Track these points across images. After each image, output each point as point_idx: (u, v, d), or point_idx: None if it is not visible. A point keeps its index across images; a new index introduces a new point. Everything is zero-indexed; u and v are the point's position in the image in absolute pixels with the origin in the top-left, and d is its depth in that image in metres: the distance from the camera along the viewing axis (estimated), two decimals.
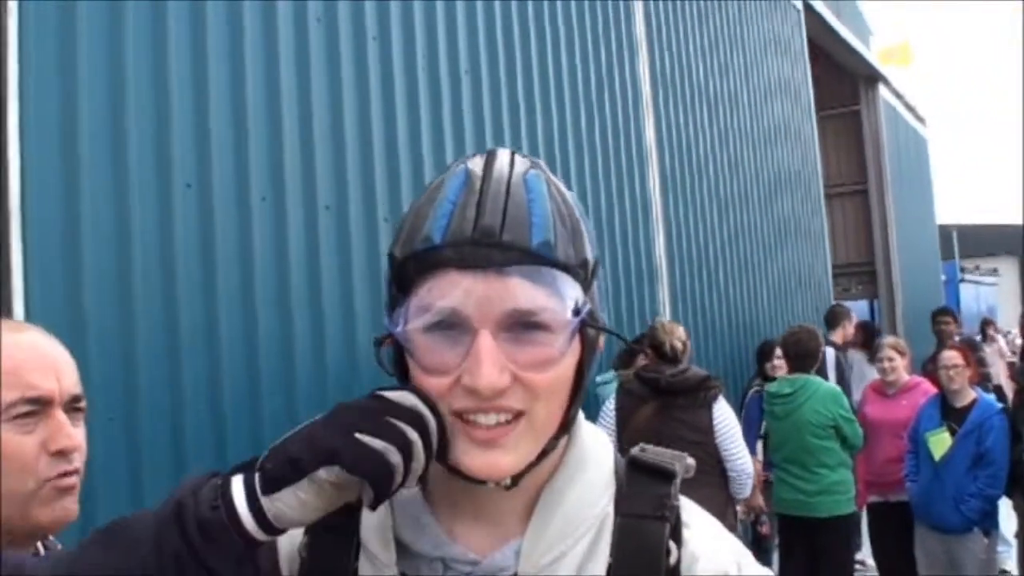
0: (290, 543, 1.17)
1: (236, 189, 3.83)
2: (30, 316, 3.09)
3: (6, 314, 3.06)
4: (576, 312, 1.03)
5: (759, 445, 7.27)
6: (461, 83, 5.35)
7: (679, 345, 5.49)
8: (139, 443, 3.35)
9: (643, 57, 7.66)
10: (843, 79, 15.37)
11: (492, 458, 1.03)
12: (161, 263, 3.51)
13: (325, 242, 4.20)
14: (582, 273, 1.06)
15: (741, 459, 5.39)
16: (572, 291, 1.04)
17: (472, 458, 1.03)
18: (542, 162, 1.11)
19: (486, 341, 0.99)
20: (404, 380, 1.09)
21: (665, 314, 7.42)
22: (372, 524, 1.13)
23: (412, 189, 4.72)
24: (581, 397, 1.12)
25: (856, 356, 9.19)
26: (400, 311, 1.04)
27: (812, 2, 12.55)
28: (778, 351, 7.51)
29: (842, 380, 7.80)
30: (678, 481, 1.14)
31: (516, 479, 1.06)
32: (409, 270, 1.04)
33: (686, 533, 1.12)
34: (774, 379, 7.33)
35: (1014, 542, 6.72)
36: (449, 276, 1.01)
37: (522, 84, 5.95)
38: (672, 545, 1.10)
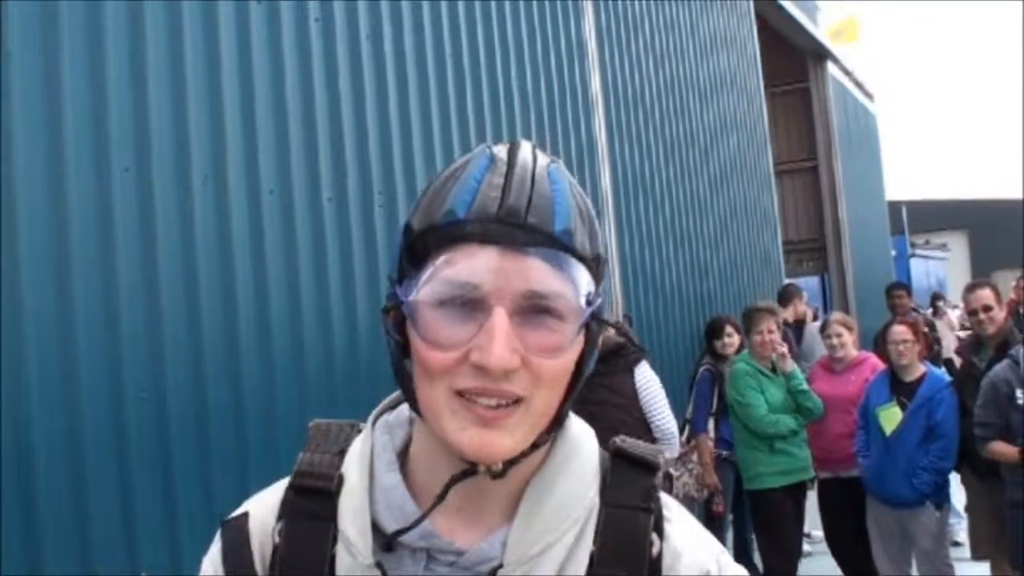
0: (261, 525, 1.15)
1: (177, 172, 3.75)
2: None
3: None
4: (588, 303, 1.04)
5: (710, 423, 7.32)
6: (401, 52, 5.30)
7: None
8: (82, 452, 3.27)
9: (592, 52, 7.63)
10: (792, 56, 15.43)
11: (490, 437, 1.01)
12: (100, 249, 3.43)
13: (270, 227, 4.13)
14: (595, 267, 1.07)
15: (664, 420, 5.53)
16: (586, 282, 1.04)
17: (471, 436, 1.01)
18: (561, 161, 1.11)
19: (501, 318, 0.99)
20: (404, 353, 1.08)
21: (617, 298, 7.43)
22: (351, 512, 1.11)
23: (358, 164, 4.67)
24: (577, 392, 1.11)
25: (813, 331, 9.28)
26: (410, 282, 1.03)
27: None
28: (728, 328, 7.55)
29: (795, 357, 7.86)
30: (660, 474, 1.15)
31: (507, 468, 1.05)
32: (427, 243, 1.03)
33: (668, 527, 1.13)
34: (724, 357, 7.38)
35: (965, 515, 6.79)
36: (470, 250, 1.00)
37: (467, 44, 5.89)
38: (655, 537, 1.10)
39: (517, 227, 1.00)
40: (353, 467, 1.14)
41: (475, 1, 5.97)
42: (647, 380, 5.63)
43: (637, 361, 5.66)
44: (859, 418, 6.39)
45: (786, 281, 11.43)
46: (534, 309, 1.01)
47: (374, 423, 1.20)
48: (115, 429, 3.40)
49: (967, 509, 6.51)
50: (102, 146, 3.47)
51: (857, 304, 14.42)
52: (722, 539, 7.12)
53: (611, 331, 4.76)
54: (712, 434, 7.26)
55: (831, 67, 15.97)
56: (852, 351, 6.95)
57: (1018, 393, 5.28)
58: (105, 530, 3.28)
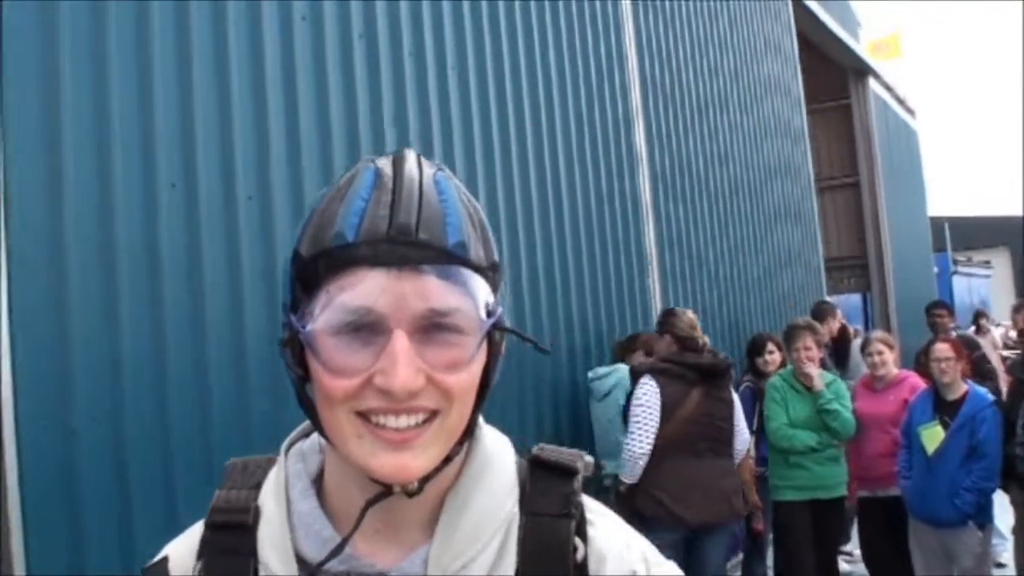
0: (181, 568, 1.14)
1: (223, 189, 3.80)
2: (13, 318, 3.07)
3: None
4: (489, 314, 1.02)
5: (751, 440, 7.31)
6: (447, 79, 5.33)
7: (708, 339, 5.89)
8: (126, 451, 3.32)
9: (632, 63, 7.64)
10: (832, 73, 15.35)
11: (402, 460, 1.00)
12: (146, 263, 3.48)
13: None
14: (491, 275, 1.06)
15: (746, 432, 5.98)
16: (484, 293, 1.03)
17: (381, 460, 1.00)
18: (447, 168, 1.09)
19: (401, 341, 0.97)
20: (306, 382, 1.06)
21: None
22: (271, 542, 1.10)
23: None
24: (484, 402, 1.09)
25: (855, 350, 9.21)
26: (305, 311, 1.01)
27: None
28: (770, 345, 7.53)
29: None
30: (580, 478, 1.14)
31: (422, 485, 1.03)
32: (318, 268, 1.00)
33: (591, 531, 1.12)
34: (766, 374, 7.36)
35: (1010, 537, 6.71)
36: (362, 273, 0.98)
37: (511, 84, 5.93)
38: (578, 542, 1.09)
39: (409, 245, 0.98)
40: (269, 497, 1.13)
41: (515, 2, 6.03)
42: (736, 399, 5.92)
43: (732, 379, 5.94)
44: (901, 437, 6.33)
45: (822, 298, 11.33)
46: (434, 326, 0.99)
47: (287, 452, 1.18)
48: (162, 447, 3.45)
49: (1014, 530, 6.43)
50: (148, 164, 3.53)
51: (899, 322, 14.28)
52: (763, 557, 7.11)
53: (706, 350, 4.92)
54: (753, 452, 7.24)
55: (872, 83, 15.87)
56: (892, 369, 6.89)
57: None
58: (147, 533, 3.32)
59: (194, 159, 3.71)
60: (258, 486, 1.16)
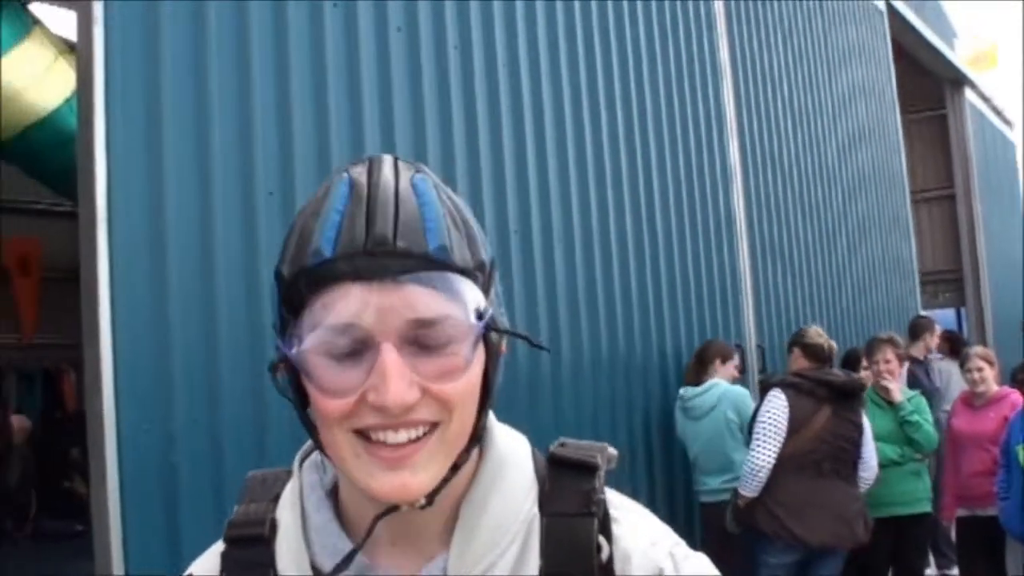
0: None
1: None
2: (116, 327, 3.13)
3: (91, 325, 3.11)
4: (479, 317, 0.99)
5: None
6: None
7: (833, 343, 5.86)
8: (223, 449, 3.37)
9: (727, 79, 7.59)
10: (928, 83, 15.08)
11: (401, 479, 0.97)
12: (244, 273, 3.53)
13: None
14: (480, 276, 1.02)
15: (874, 459, 5.75)
16: (473, 295, 0.99)
17: (380, 482, 0.97)
18: (425, 167, 1.06)
19: (390, 355, 0.94)
20: (304, 405, 1.04)
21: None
22: (288, 554, 1.08)
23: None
24: (489, 405, 1.07)
25: (947, 366, 8.99)
26: (293, 333, 0.98)
27: (896, 4, 12.32)
28: (864, 361, 7.43)
29: (924, 392, 7.68)
30: (602, 474, 1.10)
31: (431, 497, 1.00)
32: (300, 288, 0.98)
33: (616, 528, 1.08)
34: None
35: None
36: (343, 289, 0.95)
37: (604, 96, 5.92)
38: (602, 540, 1.06)
39: (388, 255, 0.95)
40: (286, 510, 1.12)
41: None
42: (866, 419, 5.77)
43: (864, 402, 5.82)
44: (1000, 456, 6.18)
45: (920, 313, 11.09)
46: (423, 337, 0.96)
47: (301, 463, 1.16)
48: (259, 450, 3.50)
49: None
50: (247, 171, 3.58)
51: (995, 339, 13.92)
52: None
53: (838, 371, 4.88)
54: None
55: (968, 93, 15.54)
56: (993, 386, 6.75)
57: None
58: None
59: (292, 168, 3.77)
60: (276, 499, 1.14)
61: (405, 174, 1.01)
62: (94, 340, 3.13)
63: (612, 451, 1.13)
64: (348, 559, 1.04)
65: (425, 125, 4.43)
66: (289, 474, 1.17)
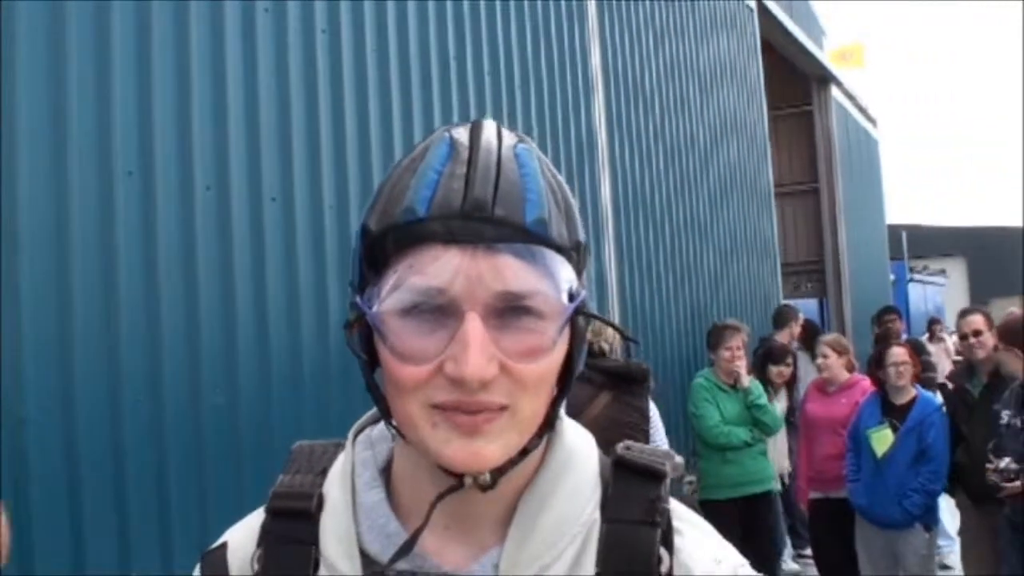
0: (242, 555, 1.08)
1: (180, 177, 3.78)
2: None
3: None
4: (571, 298, 0.95)
5: None
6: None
7: (606, 346, 5.59)
8: (77, 452, 3.29)
9: (595, 66, 7.65)
10: (795, 79, 15.47)
11: (475, 447, 0.92)
12: (101, 254, 3.46)
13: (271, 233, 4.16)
14: (575, 256, 0.98)
15: (665, 446, 5.55)
16: (567, 275, 0.95)
17: (454, 448, 0.93)
18: (529, 139, 1.01)
19: (475, 325, 0.90)
20: (373, 367, 1.00)
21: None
22: (334, 534, 1.04)
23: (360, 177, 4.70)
24: (567, 392, 1.03)
25: (801, 355, 9.29)
26: (373, 290, 0.94)
27: (766, 2, 12.59)
28: (789, 358, 7.85)
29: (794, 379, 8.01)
30: (668, 482, 1.06)
31: (495, 479, 0.96)
32: (386, 245, 0.94)
33: (678, 540, 1.03)
34: (774, 384, 7.61)
35: (957, 539, 6.83)
36: (434, 251, 0.91)
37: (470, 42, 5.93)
38: (664, 552, 1.01)
39: (484, 222, 0.91)
40: (335, 486, 1.07)
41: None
42: (655, 411, 5.60)
43: (650, 389, 5.60)
44: (848, 441, 6.44)
45: (782, 302, 11.42)
46: (511, 310, 0.92)
47: (355, 438, 1.11)
48: (113, 448, 3.43)
49: (960, 532, 6.54)
50: (104, 151, 3.51)
51: (854, 328, 14.42)
52: None
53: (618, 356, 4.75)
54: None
55: (835, 91, 16.01)
56: (842, 373, 7.03)
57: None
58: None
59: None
60: (324, 473, 1.09)
61: (508, 141, 0.98)
62: None
63: (679, 459, 1.10)
64: (408, 546, 0.99)
65: (290, 108, 4.39)
66: (338, 448, 1.12)
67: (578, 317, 0.99)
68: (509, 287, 0.91)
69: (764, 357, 8.01)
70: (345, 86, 4.72)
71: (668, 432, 5.75)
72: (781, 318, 9.51)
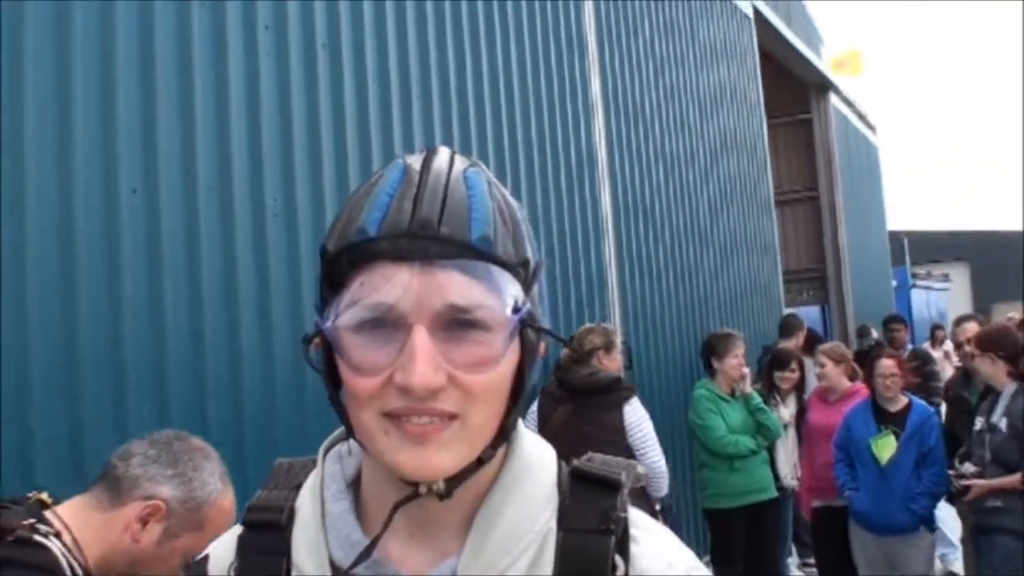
0: (220, 565, 1.15)
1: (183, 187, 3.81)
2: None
3: None
4: (516, 311, 0.99)
5: None
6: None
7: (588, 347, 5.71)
8: (84, 462, 3.31)
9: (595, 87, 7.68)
10: (794, 87, 15.49)
11: (426, 455, 0.97)
12: (106, 267, 3.48)
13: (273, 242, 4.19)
14: (522, 272, 1.03)
15: (651, 457, 5.52)
16: (512, 289, 1.00)
17: (406, 456, 0.98)
18: (482, 164, 1.08)
19: (421, 337, 0.95)
20: (334, 381, 1.05)
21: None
22: (305, 544, 1.09)
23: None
24: (521, 404, 1.07)
25: (808, 361, 9.30)
26: (331, 308, 1.00)
27: (763, 11, 12.61)
28: (794, 363, 7.85)
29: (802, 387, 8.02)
30: (625, 492, 1.09)
31: (451, 488, 1.01)
32: (342, 264, 1.00)
33: (634, 548, 1.07)
34: (779, 390, 7.61)
35: (960, 546, 6.86)
36: (383, 269, 0.97)
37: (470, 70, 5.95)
38: (618, 559, 1.05)
39: (431, 239, 0.97)
40: (306, 499, 1.12)
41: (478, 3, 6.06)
42: (638, 417, 5.59)
43: (627, 398, 5.61)
44: (836, 451, 6.47)
45: (788, 311, 11.39)
46: (457, 323, 0.97)
47: (325, 453, 1.16)
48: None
49: (963, 540, 6.56)
50: (110, 166, 3.54)
51: (856, 336, 14.40)
52: None
53: (615, 366, 4.77)
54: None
55: (834, 98, 16.02)
56: (842, 382, 7.06)
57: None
58: None
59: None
60: (299, 487, 1.15)
61: (459, 166, 1.03)
62: None
63: (640, 469, 1.15)
64: (368, 550, 1.04)
65: (292, 123, 4.42)
66: (313, 463, 1.17)
67: (528, 331, 1.04)
68: (454, 301, 0.97)
69: (771, 364, 8.00)
70: (346, 112, 4.77)
71: (669, 438, 5.78)
72: (788, 328, 9.52)
